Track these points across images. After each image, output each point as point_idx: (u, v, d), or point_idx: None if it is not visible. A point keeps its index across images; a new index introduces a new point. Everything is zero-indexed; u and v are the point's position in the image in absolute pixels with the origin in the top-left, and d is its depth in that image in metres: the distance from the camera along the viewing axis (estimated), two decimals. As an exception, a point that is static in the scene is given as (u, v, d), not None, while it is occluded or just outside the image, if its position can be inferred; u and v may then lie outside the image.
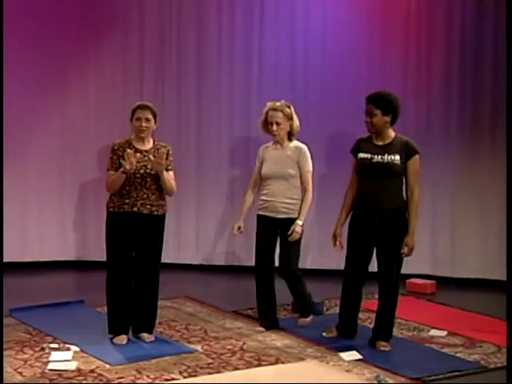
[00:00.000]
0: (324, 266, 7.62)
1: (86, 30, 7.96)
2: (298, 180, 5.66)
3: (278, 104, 5.64)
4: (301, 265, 7.72)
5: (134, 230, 5.34)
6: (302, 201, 5.64)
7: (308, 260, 7.73)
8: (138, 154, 5.26)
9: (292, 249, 5.65)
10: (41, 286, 7.29)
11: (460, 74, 7.43)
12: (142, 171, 5.30)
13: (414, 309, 6.54)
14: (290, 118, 5.63)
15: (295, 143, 5.71)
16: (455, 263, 7.53)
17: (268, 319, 5.79)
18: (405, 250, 5.27)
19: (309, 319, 5.84)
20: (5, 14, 7.04)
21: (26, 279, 7.55)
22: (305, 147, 5.69)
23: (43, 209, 8.04)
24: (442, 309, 6.60)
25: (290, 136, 5.69)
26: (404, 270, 7.53)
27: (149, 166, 5.29)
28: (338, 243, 5.50)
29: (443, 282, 7.34)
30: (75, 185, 8.09)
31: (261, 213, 5.74)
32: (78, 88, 8.07)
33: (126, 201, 5.32)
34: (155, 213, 5.36)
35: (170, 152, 5.43)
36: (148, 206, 5.34)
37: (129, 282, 5.43)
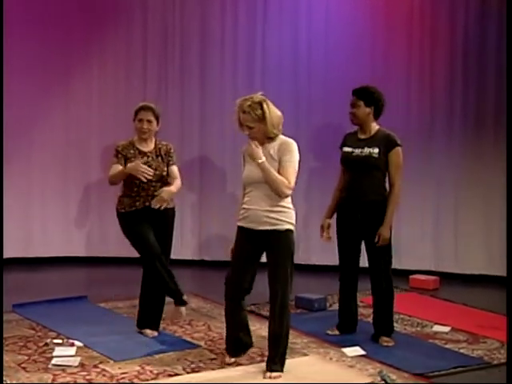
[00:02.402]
0: (327, 261, 7.61)
1: (88, 26, 7.97)
2: None
3: (248, 104, 4.59)
4: (304, 261, 7.83)
5: (149, 223, 5.36)
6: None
7: (312, 256, 7.75)
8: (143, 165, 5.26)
9: (281, 272, 4.64)
10: (44, 281, 7.32)
11: (463, 72, 7.43)
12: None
13: (417, 305, 6.54)
14: (262, 120, 4.60)
15: (280, 139, 4.69)
16: (459, 259, 7.53)
17: (233, 345, 4.93)
18: (377, 239, 5.25)
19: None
20: (7, 11, 7.04)
21: (30, 275, 7.58)
22: (291, 141, 4.69)
23: (47, 205, 8.06)
24: (446, 305, 6.59)
25: (269, 138, 4.68)
26: (407, 266, 7.56)
27: (153, 167, 5.31)
28: (324, 234, 5.56)
29: (446, 278, 7.34)
30: (79, 180, 8.10)
31: (240, 224, 4.76)
32: (81, 85, 8.08)
33: (137, 198, 5.34)
34: (167, 206, 5.38)
35: (172, 150, 5.47)
36: None
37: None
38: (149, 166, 5.30)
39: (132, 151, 5.37)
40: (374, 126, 5.40)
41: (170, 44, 8.02)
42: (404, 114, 7.61)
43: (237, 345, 4.91)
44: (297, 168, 4.66)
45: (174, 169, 5.44)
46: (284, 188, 4.57)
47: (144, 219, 5.35)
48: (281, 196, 4.59)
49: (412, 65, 7.57)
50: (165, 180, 5.37)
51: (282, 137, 4.70)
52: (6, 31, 7.41)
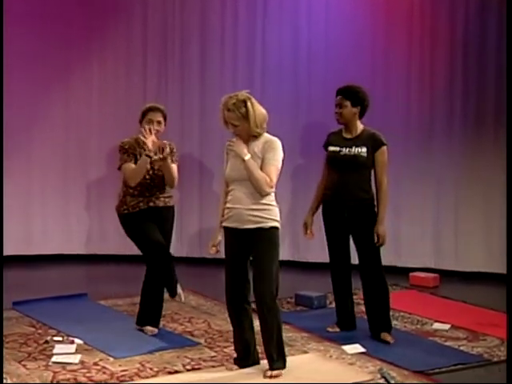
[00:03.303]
0: (327, 259, 7.60)
1: (88, 23, 7.96)
2: None
3: (232, 102, 4.56)
4: (304, 258, 7.83)
5: (152, 222, 5.39)
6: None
7: (311, 254, 7.75)
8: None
9: (266, 270, 4.58)
10: (44, 279, 7.32)
11: (463, 72, 7.41)
12: (151, 172, 5.35)
13: (417, 302, 6.54)
14: (246, 118, 4.56)
15: (265, 137, 4.64)
16: (459, 257, 7.53)
17: (242, 353, 4.81)
18: (375, 238, 5.30)
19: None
20: (6, 6, 7.02)
21: (30, 272, 7.58)
22: (275, 139, 4.64)
23: (47, 202, 8.05)
24: (446, 302, 6.59)
25: (254, 136, 4.63)
26: (407, 264, 7.55)
27: (156, 167, 5.34)
28: (308, 232, 5.59)
29: (446, 276, 7.34)
30: (79, 178, 8.09)
31: (225, 224, 4.67)
32: (81, 81, 8.07)
33: (140, 198, 5.36)
34: (168, 204, 5.47)
35: (174, 150, 5.50)
36: (162, 199, 5.44)
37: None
38: (152, 168, 5.33)
39: (138, 149, 5.38)
40: (359, 125, 5.43)
41: (170, 40, 8.02)
42: (404, 114, 7.61)
43: (246, 354, 4.78)
44: (279, 166, 4.61)
45: (174, 168, 5.45)
46: (265, 186, 4.52)
47: (148, 219, 5.38)
48: (261, 194, 4.55)
49: (412, 64, 7.56)
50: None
51: (266, 135, 4.66)
52: (6, 27, 7.39)
